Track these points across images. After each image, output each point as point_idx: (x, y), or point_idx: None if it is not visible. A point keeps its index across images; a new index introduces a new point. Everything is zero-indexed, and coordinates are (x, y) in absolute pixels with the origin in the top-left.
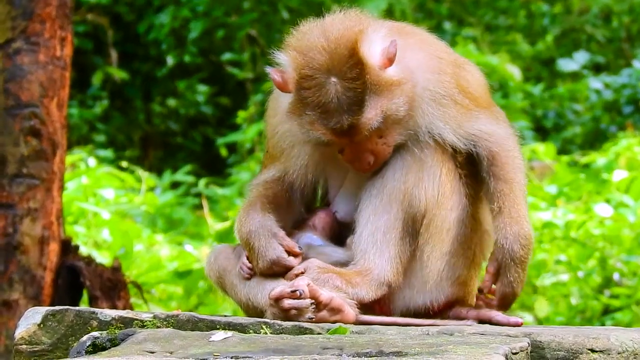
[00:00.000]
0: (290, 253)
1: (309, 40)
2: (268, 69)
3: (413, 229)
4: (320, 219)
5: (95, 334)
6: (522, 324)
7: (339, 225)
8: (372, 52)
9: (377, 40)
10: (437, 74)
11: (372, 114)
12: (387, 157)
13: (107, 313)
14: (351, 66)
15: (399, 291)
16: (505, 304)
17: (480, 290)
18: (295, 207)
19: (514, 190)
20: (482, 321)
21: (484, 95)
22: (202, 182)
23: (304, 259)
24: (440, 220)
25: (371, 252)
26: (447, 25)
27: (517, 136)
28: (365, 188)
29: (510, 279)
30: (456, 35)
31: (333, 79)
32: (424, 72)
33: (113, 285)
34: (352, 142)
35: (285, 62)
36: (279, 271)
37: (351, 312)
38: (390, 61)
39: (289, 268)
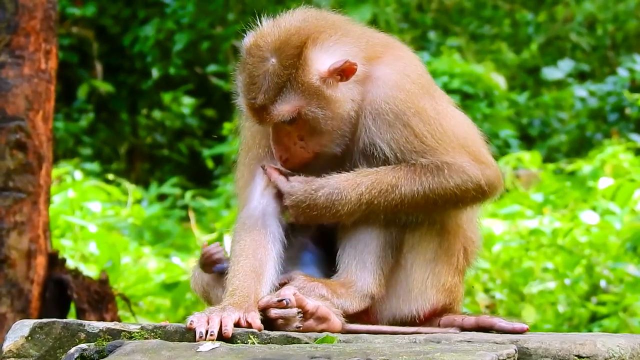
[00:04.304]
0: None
1: (286, 18)
2: (249, 32)
3: (396, 239)
4: None
5: (83, 345)
6: (527, 329)
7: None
8: (319, 58)
9: (333, 51)
10: (394, 89)
11: (284, 108)
12: (304, 160)
13: (95, 325)
14: (289, 56)
15: (384, 301)
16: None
17: None
18: (275, 236)
19: (393, 179)
20: (482, 328)
21: (452, 136)
22: (188, 194)
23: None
24: (424, 229)
25: (353, 264)
26: (432, 35)
27: (493, 184)
28: None
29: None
30: (441, 45)
31: (273, 60)
32: (379, 87)
33: (100, 298)
34: (264, 124)
35: (260, 26)
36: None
37: (337, 321)
38: (330, 74)
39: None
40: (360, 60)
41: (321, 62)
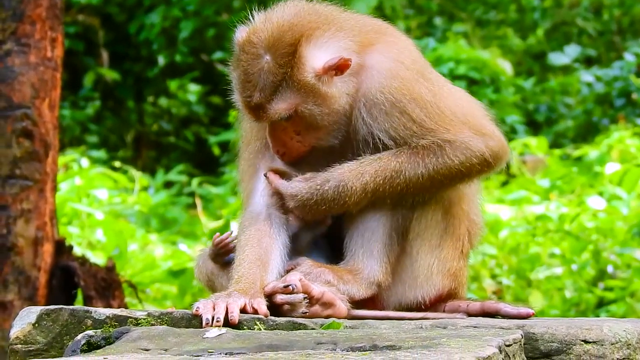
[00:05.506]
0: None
1: (277, 13)
2: (240, 26)
3: (403, 226)
4: None
5: (90, 332)
6: (533, 314)
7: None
8: (314, 55)
9: (327, 47)
10: (388, 78)
11: (280, 106)
12: (301, 154)
13: (102, 312)
14: (284, 54)
15: (390, 288)
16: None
17: None
18: (280, 225)
19: (395, 164)
20: (487, 314)
21: (451, 115)
22: (195, 181)
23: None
24: (429, 215)
25: (360, 252)
26: (438, 21)
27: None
28: None
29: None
30: (447, 31)
31: (267, 57)
32: (373, 76)
33: (107, 285)
34: (260, 122)
35: (252, 21)
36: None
37: (343, 306)
38: (325, 71)
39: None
40: (354, 52)
41: (316, 59)
